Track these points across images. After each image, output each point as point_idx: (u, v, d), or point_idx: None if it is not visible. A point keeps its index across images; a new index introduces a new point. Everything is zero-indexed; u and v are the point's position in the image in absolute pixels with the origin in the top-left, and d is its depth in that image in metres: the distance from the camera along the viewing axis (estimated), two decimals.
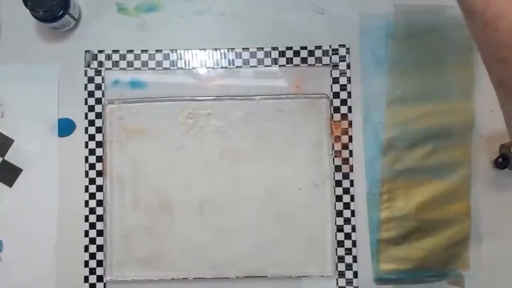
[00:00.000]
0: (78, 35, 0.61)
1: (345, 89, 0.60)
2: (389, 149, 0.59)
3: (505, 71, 0.35)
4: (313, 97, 0.60)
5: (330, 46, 0.61)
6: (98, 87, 0.60)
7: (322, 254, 0.59)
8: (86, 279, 0.58)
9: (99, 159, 0.59)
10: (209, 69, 0.61)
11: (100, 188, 0.59)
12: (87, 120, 0.60)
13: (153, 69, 0.61)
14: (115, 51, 0.61)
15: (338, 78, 0.60)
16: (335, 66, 0.60)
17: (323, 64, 0.61)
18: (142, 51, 0.61)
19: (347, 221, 0.59)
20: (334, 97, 0.60)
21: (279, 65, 0.61)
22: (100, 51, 0.61)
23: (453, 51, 0.60)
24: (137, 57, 0.61)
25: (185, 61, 0.61)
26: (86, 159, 0.60)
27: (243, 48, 0.61)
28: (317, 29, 0.61)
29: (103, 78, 0.60)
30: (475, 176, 0.59)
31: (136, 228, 0.59)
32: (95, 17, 0.61)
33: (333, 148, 0.59)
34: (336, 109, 0.60)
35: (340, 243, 0.59)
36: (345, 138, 0.60)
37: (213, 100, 0.60)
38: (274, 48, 0.61)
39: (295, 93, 0.60)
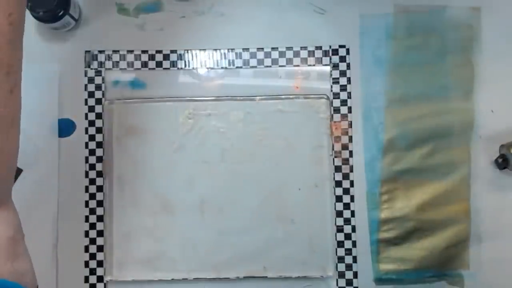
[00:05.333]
0: (78, 36, 0.61)
1: (345, 90, 0.60)
2: (389, 149, 0.59)
3: None
4: (313, 98, 0.60)
5: (330, 47, 0.61)
6: (98, 87, 0.60)
7: (322, 254, 0.59)
8: (86, 279, 0.58)
9: (99, 159, 0.59)
10: (209, 69, 0.61)
11: (100, 189, 0.59)
12: (87, 121, 0.60)
13: (153, 69, 0.61)
14: (115, 52, 0.61)
15: (338, 78, 0.60)
16: (335, 66, 0.60)
17: (323, 65, 0.61)
18: (142, 51, 0.61)
19: (347, 221, 0.59)
20: (334, 98, 0.60)
21: (279, 66, 0.61)
22: (100, 52, 0.61)
23: (453, 51, 0.60)
24: (137, 57, 0.61)
25: (185, 61, 0.61)
26: (86, 159, 0.60)
27: (243, 49, 0.61)
28: (317, 29, 0.61)
29: (103, 79, 0.60)
30: (475, 176, 0.59)
31: (136, 228, 0.59)
32: (95, 17, 0.61)
33: (333, 149, 0.59)
34: (336, 110, 0.60)
35: (340, 244, 0.59)
36: (345, 139, 0.60)
37: (213, 101, 0.60)
38: (274, 49, 0.61)
39: (295, 94, 0.60)
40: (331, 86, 0.60)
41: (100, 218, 0.59)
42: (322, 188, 0.60)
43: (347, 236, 0.59)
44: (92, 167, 0.60)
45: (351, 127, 0.60)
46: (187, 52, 0.61)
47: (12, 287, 0.35)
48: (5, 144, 0.37)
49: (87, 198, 0.59)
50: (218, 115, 0.60)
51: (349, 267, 0.59)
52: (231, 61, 0.61)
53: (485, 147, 0.60)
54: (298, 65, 0.61)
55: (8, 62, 0.35)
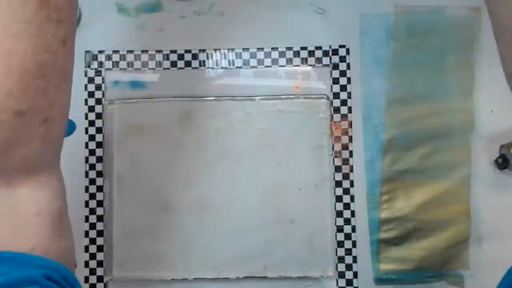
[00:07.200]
0: (78, 35, 0.60)
1: (345, 90, 0.60)
2: (389, 150, 0.59)
3: None
4: (313, 98, 0.60)
5: (330, 47, 0.61)
6: (98, 87, 0.60)
7: (322, 254, 0.59)
8: (86, 279, 0.58)
9: (99, 159, 0.60)
10: (209, 69, 0.61)
11: (100, 189, 0.59)
12: (87, 121, 0.60)
13: (153, 69, 0.61)
14: (115, 52, 0.61)
15: (338, 78, 0.60)
16: (335, 66, 0.60)
17: (323, 65, 0.61)
18: (142, 51, 0.61)
19: (347, 221, 0.59)
20: (334, 98, 0.60)
21: (279, 66, 0.61)
22: (100, 52, 0.61)
23: (453, 51, 0.60)
24: (137, 57, 0.61)
25: (185, 61, 0.61)
26: (86, 159, 0.60)
27: (243, 49, 0.61)
28: (317, 29, 0.61)
29: (103, 79, 0.60)
30: (475, 176, 0.59)
31: (136, 228, 0.59)
32: (95, 17, 0.61)
33: (333, 149, 0.59)
34: (336, 110, 0.60)
35: (340, 244, 0.59)
36: (345, 139, 0.60)
37: (213, 101, 0.60)
38: (274, 49, 0.61)
39: (295, 94, 0.60)
40: (331, 86, 0.60)
41: (100, 218, 0.59)
42: (322, 188, 0.60)
43: (347, 236, 0.59)
44: (92, 167, 0.60)
45: (351, 127, 0.60)
46: (187, 52, 0.61)
47: (56, 267, 0.31)
48: (55, 99, 0.33)
49: (87, 198, 0.59)
50: (218, 115, 0.60)
51: (349, 267, 0.59)
52: (231, 61, 0.61)
53: (485, 147, 0.60)
54: (298, 65, 0.61)
55: (61, 7, 0.31)
